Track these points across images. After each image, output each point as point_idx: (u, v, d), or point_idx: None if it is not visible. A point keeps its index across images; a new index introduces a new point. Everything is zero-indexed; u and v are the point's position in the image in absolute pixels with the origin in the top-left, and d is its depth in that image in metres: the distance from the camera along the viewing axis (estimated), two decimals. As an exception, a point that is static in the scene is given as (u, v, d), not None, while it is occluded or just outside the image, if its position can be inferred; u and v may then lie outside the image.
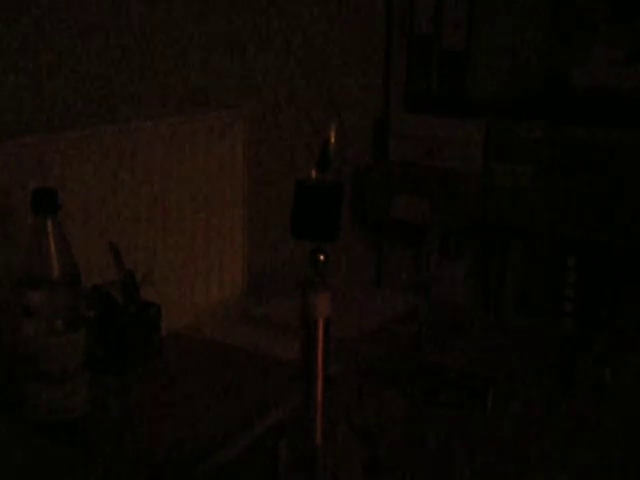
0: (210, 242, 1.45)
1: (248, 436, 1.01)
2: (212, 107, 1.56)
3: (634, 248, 1.95)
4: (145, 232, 1.32)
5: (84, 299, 1.11)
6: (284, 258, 1.79)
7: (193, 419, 1.07)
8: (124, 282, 1.22)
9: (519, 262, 2.15)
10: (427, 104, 2.25)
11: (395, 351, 1.29)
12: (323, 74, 1.94)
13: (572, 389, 1.16)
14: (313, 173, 0.80)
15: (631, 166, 1.91)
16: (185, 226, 1.39)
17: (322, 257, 0.78)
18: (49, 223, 0.99)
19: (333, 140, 0.80)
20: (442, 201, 2.06)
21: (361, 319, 1.42)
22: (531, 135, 2.01)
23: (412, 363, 1.21)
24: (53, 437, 1.01)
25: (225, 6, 1.60)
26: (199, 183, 1.41)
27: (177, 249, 1.38)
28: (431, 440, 1.02)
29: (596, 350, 1.24)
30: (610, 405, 1.12)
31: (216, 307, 1.46)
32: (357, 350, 1.29)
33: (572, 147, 1.98)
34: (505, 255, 2.18)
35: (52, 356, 1.00)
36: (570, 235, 2.03)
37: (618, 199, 1.93)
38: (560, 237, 2.06)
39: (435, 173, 2.09)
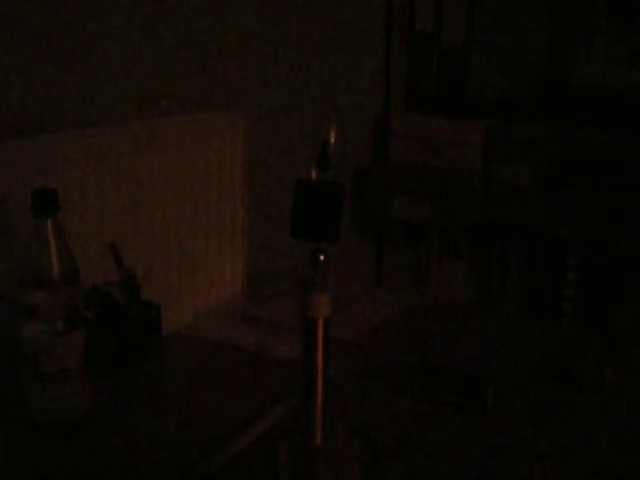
0: (210, 242, 1.45)
1: (248, 436, 1.01)
2: (212, 107, 1.56)
3: (634, 248, 1.95)
4: (145, 232, 1.32)
5: (84, 299, 1.11)
6: (284, 258, 1.79)
7: (193, 419, 1.07)
8: (124, 282, 1.22)
9: (519, 262, 2.15)
10: (427, 104, 2.25)
11: (395, 351, 1.29)
12: (323, 74, 1.94)
13: (572, 389, 1.16)
14: (313, 173, 0.80)
15: (631, 166, 1.91)
16: (185, 226, 1.39)
17: (322, 257, 0.78)
18: (49, 223, 0.99)
19: (333, 140, 0.80)
20: (442, 201, 2.06)
21: (361, 319, 1.42)
22: (531, 135, 2.01)
23: (412, 363, 1.21)
24: (53, 437, 1.01)
25: (224, 6, 1.60)
26: (199, 183, 1.40)
27: (177, 249, 1.38)
28: (431, 440, 1.02)
29: (596, 350, 1.24)
30: (610, 405, 1.12)
31: (216, 307, 1.46)
32: (357, 350, 1.29)
33: (572, 147, 1.98)
34: (505, 255, 2.18)
35: (52, 356, 1.00)
36: (570, 235, 2.03)
37: (618, 199, 1.93)
38: (560, 237, 2.06)
39: (435, 173, 2.09)
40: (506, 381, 1.17)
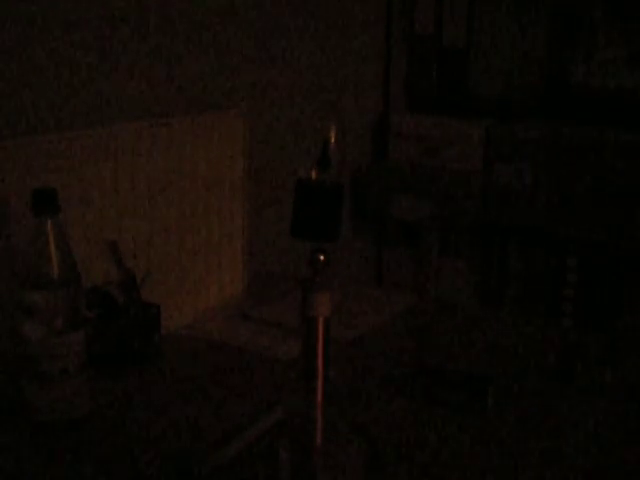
0: (210, 242, 1.45)
1: (248, 436, 1.01)
2: (212, 107, 1.56)
3: (634, 248, 1.95)
4: (145, 232, 1.32)
5: (84, 299, 1.11)
6: (284, 258, 1.79)
7: (193, 419, 1.07)
8: (124, 282, 1.22)
9: (519, 262, 2.15)
10: (427, 104, 2.25)
11: (395, 351, 1.29)
12: (323, 74, 1.94)
13: (572, 389, 1.16)
14: (313, 173, 0.80)
15: (631, 166, 1.91)
16: (185, 226, 1.39)
17: (322, 257, 0.78)
18: (49, 223, 0.99)
19: (333, 140, 0.80)
20: (442, 201, 2.06)
21: (361, 319, 1.42)
22: (531, 135, 2.01)
23: (412, 363, 1.21)
24: (53, 437, 1.01)
25: (224, 5, 1.60)
26: (199, 183, 1.41)
27: (177, 249, 1.38)
28: (431, 440, 1.02)
29: (596, 350, 1.25)
30: (610, 405, 1.12)
31: (216, 307, 1.46)
32: (357, 350, 1.29)
33: (572, 147, 1.98)
34: (505, 255, 2.18)
35: (52, 356, 1.00)
36: (570, 235, 2.03)
37: (618, 199, 1.93)
38: (560, 237, 2.05)
39: (435, 173, 2.09)
40: (506, 381, 1.17)
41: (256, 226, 1.70)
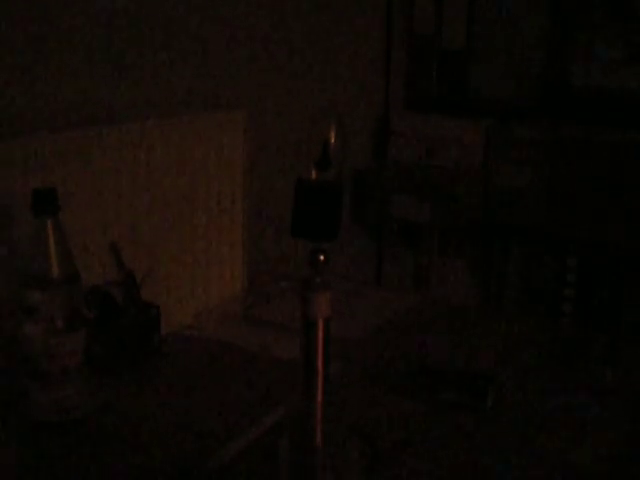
0: (210, 242, 1.45)
1: (248, 436, 1.01)
2: (212, 107, 1.56)
3: (634, 248, 1.95)
4: (145, 232, 1.32)
5: (84, 299, 1.11)
6: (284, 258, 1.79)
7: (193, 419, 1.07)
8: (124, 282, 1.22)
9: (519, 262, 2.15)
10: (427, 104, 2.25)
11: (395, 351, 1.29)
12: (323, 74, 1.94)
13: (572, 389, 1.16)
14: (313, 173, 0.80)
15: (631, 166, 1.91)
16: (185, 226, 1.39)
17: (322, 257, 0.78)
18: (49, 223, 0.99)
19: (333, 140, 0.80)
20: (442, 201, 2.06)
21: (361, 319, 1.42)
22: (531, 135, 2.01)
23: (412, 363, 1.21)
24: (53, 437, 1.01)
25: (224, 5, 1.60)
26: (199, 183, 1.40)
27: (177, 249, 1.38)
28: (431, 440, 1.02)
29: (596, 350, 1.25)
30: (610, 405, 1.12)
31: (216, 307, 1.46)
32: (357, 350, 1.29)
33: (572, 147, 1.98)
34: (505, 255, 2.18)
35: (52, 356, 1.00)
36: (570, 235, 2.03)
37: (618, 199, 1.93)
38: (560, 237, 2.05)
39: (435, 173, 2.09)
40: (506, 381, 1.17)
41: (256, 226, 1.70)
